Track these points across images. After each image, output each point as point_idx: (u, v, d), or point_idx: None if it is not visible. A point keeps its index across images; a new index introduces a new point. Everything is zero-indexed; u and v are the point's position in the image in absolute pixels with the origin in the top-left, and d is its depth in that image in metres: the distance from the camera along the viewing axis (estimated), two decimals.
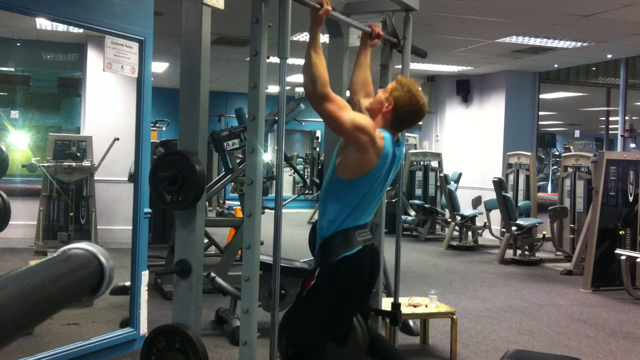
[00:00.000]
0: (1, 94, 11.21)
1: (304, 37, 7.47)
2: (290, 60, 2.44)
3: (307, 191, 12.37)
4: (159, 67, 10.61)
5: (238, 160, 5.99)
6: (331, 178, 2.71)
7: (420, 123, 12.39)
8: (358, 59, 3.08)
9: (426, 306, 4.27)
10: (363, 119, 2.63)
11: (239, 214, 8.08)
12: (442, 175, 9.81)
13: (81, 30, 7.43)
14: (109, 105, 8.26)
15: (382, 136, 2.65)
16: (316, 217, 2.97)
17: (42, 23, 7.50)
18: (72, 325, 4.55)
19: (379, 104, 2.74)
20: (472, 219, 9.31)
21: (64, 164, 7.47)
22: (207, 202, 6.38)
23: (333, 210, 2.66)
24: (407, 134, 6.23)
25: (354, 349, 2.93)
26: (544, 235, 8.36)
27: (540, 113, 10.93)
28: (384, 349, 2.95)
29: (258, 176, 2.50)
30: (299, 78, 11.41)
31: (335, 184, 2.68)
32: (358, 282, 2.72)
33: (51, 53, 9.78)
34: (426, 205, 10.16)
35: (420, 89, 2.77)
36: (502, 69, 10.24)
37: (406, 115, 2.73)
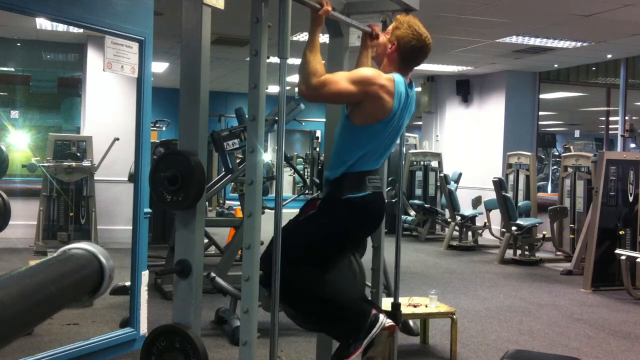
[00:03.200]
0: (1, 94, 11.22)
1: (304, 37, 7.40)
2: (290, 60, 2.44)
3: (307, 191, 12.37)
4: (159, 67, 10.61)
5: (238, 160, 5.99)
6: (346, 124, 2.70)
7: (420, 123, 12.42)
8: (359, 60, 3.09)
9: (426, 306, 4.27)
10: (363, 71, 2.64)
11: (239, 214, 8.08)
12: (442, 175, 9.81)
13: (81, 30, 7.43)
14: (109, 105, 8.26)
15: (392, 77, 2.65)
16: None
17: (42, 23, 7.50)
18: (72, 325, 4.55)
19: (383, 48, 2.73)
20: (472, 219, 9.31)
21: (64, 164, 7.47)
22: (207, 202, 6.38)
23: (346, 152, 2.68)
24: (407, 134, 6.23)
25: (346, 280, 2.98)
26: (544, 235, 8.36)
27: (540, 113, 10.93)
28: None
29: (258, 176, 2.49)
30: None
31: (351, 130, 2.68)
32: (358, 224, 2.74)
33: (51, 53, 9.78)
34: (426, 205, 10.16)
35: (421, 24, 2.75)
36: (502, 69, 10.24)
37: (412, 51, 2.72)
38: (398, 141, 2.94)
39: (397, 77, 2.69)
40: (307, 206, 2.75)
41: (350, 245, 2.95)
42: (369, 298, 3.21)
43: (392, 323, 2.72)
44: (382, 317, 2.70)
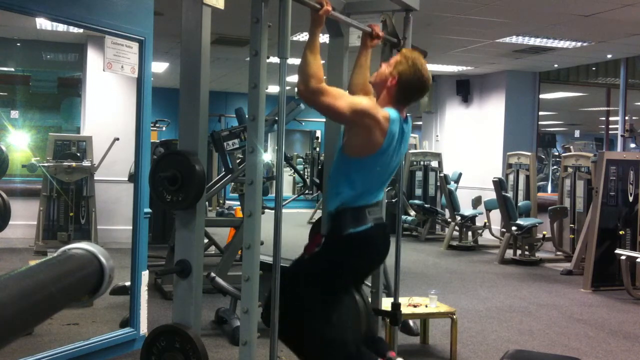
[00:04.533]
0: (1, 94, 11.22)
1: (304, 37, 7.40)
2: (290, 60, 2.44)
3: (307, 191, 12.38)
4: (159, 67, 10.61)
5: (238, 160, 5.99)
6: (340, 156, 2.73)
7: (420, 123, 12.42)
8: (358, 60, 3.08)
9: (426, 306, 4.27)
10: (362, 102, 2.63)
11: (239, 214, 8.08)
12: (442, 175, 9.81)
13: (81, 30, 7.43)
14: (109, 105, 8.26)
15: (387, 115, 2.64)
16: (316, 217, 2.98)
17: (42, 23, 7.50)
18: (72, 325, 4.55)
19: (383, 78, 2.73)
20: (472, 219, 9.31)
21: (64, 164, 7.47)
22: (207, 202, 6.38)
23: (343, 187, 2.68)
24: None
25: (349, 320, 3.00)
26: (544, 235, 8.36)
27: (540, 113, 10.93)
28: (381, 349, 2.95)
29: (258, 176, 2.49)
30: None
31: (344, 161, 2.70)
32: (364, 259, 2.76)
33: (51, 53, 9.77)
34: (426, 205, 10.16)
35: (424, 62, 2.78)
36: (502, 69, 10.24)
37: (411, 89, 2.75)
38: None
39: (393, 114, 2.68)
40: (311, 242, 2.74)
41: (357, 280, 2.96)
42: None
43: None
44: None
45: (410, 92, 2.76)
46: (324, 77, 2.66)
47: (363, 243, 2.69)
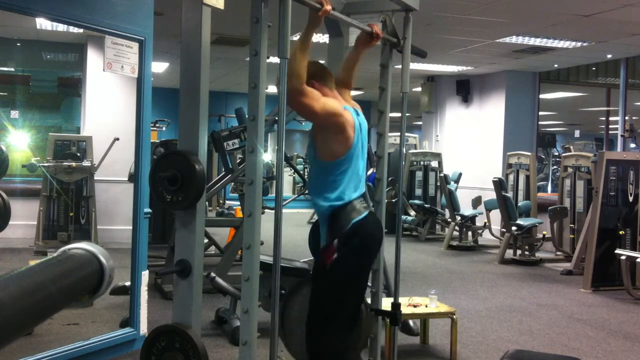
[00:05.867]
0: (1, 94, 11.21)
1: None
2: None
3: (307, 191, 12.37)
4: (159, 67, 10.61)
5: (238, 160, 5.99)
6: (316, 164, 2.82)
7: (420, 123, 12.42)
8: (350, 57, 3.09)
9: (426, 306, 4.27)
10: (333, 103, 2.73)
11: (239, 214, 8.08)
12: (442, 175, 9.81)
13: (81, 30, 7.43)
14: (109, 105, 8.26)
15: (349, 112, 2.79)
16: (316, 217, 2.99)
17: (42, 23, 7.49)
18: (72, 325, 4.55)
19: (313, 91, 2.73)
20: (472, 219, 9.31)
21: (64, 164, 7.47)
22: (207, 202, 6.38)
23: (328, 192, 2.76)
24: (407, 134, 6.24)
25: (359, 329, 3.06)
26: (544, 235, 8.36)
27: (540, 113, 10.93)
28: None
29: (258, 176, 2.49)
30: None
31: (322, 167, 2.79)
32: (371, 248, 2.85)
33: (51, 53, 9.77)
34: (426, 205, 10.16)
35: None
36: (502, 69, 10.24)
37: (317, 74, 2.77)
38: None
39: (349, 108, 2.82)
40: (326, 252, 2.76)
41: (369, 271, 3.04)
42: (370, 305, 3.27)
43: None
44: None
45: (318, 76, 2.78)
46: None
47: (368, 229, 2.79)
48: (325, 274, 2.78)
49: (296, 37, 2.74)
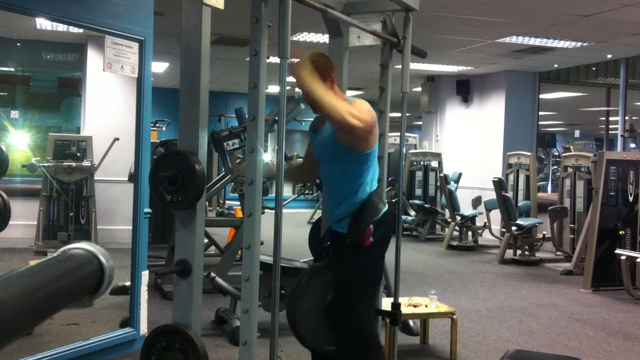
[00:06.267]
0: (1, 94, 11.21)
1: (304, 37, 7.57)
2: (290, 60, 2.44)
3: (307, 191, 12.37)
4: (159, 67, 10.60)
5: (238, 160, 5.98)
6: (354, 158, 2.87)
7: (420, 123, 12.42)
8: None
9: (426, 306, 4.27)
10: (369, 110, 2.80)
11: (239, 214, 8.08)
12: (442, 175, 9.80)
13: (81, 30, 7.43)
14: (109, 105, 8.26)
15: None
16: (316, 217, 3.00)
17: (42, 23, 7.49)
18: (72, 325, 4.55)
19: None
20: (472, 219, 9.31)
21: (64, 164, 7.47)
22: (207, 202, 6.38)
23: (371, 175, 2.91)
24: (407, 134, 6.23)
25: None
26: (544, 235, 8.36)
27: (540, 113, 10.93)
28: None
29: (258, 176, 2.49)
30: None
31: (365, 158, 2.87)
32: (389, 238, 3.03)
33: (51, 53, 9.77)
34: (426, 205, 10.16)
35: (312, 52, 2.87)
36: (502, 69, 10.24)
37: (323, 69, 2.83)
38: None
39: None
40: (364, 233, 2.84)
41: None
42: None
43: None
44: None
45: (324, 72, 2.84)
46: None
47: (390, 222, 3.01)
48: (366, 251, 2.87)
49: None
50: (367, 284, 2.94)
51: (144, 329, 4.05)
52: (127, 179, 6.94)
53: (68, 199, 7.53)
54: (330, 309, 2.90)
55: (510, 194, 8.73)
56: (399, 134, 3.95)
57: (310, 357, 3.12)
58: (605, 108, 11.07)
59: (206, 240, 6.37)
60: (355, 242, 2.86)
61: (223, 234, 7.70)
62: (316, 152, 3.06)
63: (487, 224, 9.10)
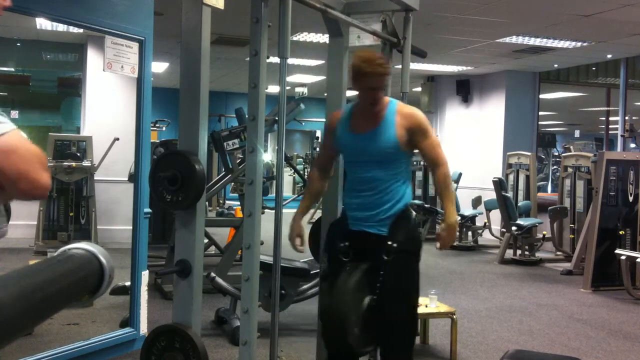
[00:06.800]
0: (1, 94, 11.21)
1: (304, 37, 7.56)
2: (290, 60, 2.44)
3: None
4: (159, 67, 10.60)
5: (238, 160, 5.99)
6: (404, 155, 2.88)
7: None
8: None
9: (426, 306, 4.27)
10: (427, 121, 2.91)
11: (239, 214, 8.08)
12: None
13: (81, 30, 7.43)
14: (109, 105, 8.26)
15: None
16: (316, 217, 2.99)
17: (42, 23, 7.49)
18: (72, 325, 4.55)
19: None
20: (472, 219, 9.30)
21: (64, 164, 7.47)
22: (207, 202, 6.38)
23: (405, 185, 2.90)
24: None
25: None
26: (544, 235, 8.36)
27: (540, 113, 10.92)
28: None
29: (258, 176, 2.50)
30: (299, 78, 11.39)
31: (403, 158, 2.88)
32: None
33: (51, 53, 9.77)
34: (426, 205, 10.12)
35: (365, 53, 2.78)
36: (502, 69, 10.23)
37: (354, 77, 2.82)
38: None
39: None
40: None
41: None
42: None
43: None
44: None
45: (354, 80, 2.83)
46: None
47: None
48: (416, 256, 2.92)
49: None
50: (418, 286, 2.98)
51: (144, 329, 4.05)
52: (127, 179, 6.94)
53: (68, 199, 7.53)
54: (388, 312, 2.78)
55: (510, 194, 8.73)
56: None
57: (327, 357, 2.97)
58: (605, 108, 11.06)
59: (206, 240, 6.37)
60: (402, 247, 2.82)
61: (223, 234, 7.70)
62: (351, 151, 2.92)
63: (487, 224, 9.10)
